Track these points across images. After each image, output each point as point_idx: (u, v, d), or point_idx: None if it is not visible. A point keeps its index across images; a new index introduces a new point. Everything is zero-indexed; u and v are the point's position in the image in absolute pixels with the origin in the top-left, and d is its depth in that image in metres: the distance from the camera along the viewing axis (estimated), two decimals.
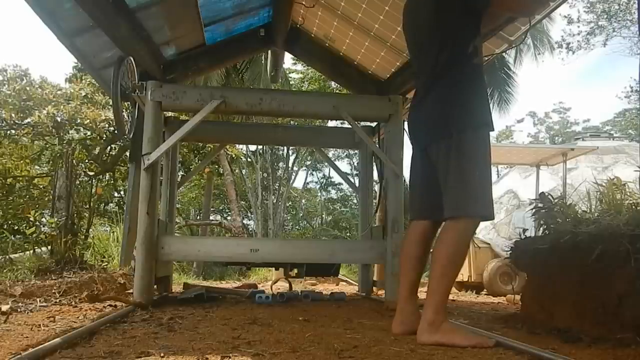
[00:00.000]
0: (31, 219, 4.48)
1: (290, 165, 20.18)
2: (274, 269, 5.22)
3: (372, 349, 1.74)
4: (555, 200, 2.61)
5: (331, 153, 18.89)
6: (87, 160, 7.70)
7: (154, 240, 3.17)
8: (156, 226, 3.21)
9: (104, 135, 7.49)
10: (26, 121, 7.19)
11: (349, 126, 3.75)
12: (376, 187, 4.41)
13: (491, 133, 2.07)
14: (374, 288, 4.29)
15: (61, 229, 3.98)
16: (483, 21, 2.15)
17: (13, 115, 7.09)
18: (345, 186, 23.57)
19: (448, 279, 1.94)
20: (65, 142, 7.03)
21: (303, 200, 24.71)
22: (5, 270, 3.72)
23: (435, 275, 1.94)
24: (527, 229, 2.78)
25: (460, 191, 1.97)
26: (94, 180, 7.52)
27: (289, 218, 23.51)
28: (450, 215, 1.99)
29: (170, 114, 4.26)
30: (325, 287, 5.88)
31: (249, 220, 21.60)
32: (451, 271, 1.95)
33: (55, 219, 4.06)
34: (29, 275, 3.60)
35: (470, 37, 2.05)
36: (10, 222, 6.78)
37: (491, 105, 13.41)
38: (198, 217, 17.86)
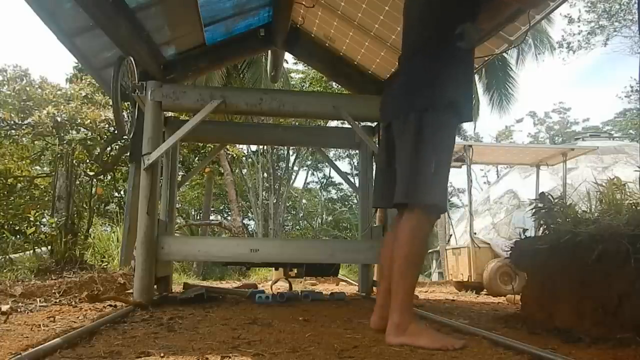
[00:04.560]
0: (31, 219, 4.48)
1: (290, 165, 20.20)
2: (273, 269, 5.22)
3: (372, 349, 1.74)
4: (555, 200, 2.61)
5: (332, 153, 18.90)
6: (87, 161, 7.70)
7: (154, 240, 3.17)
8: (156, 226, 3.21)
9: (104, 136, 7.49)
10: (26, 121, 7.19)
11: (350, 126, 3.75)
12: None
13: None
14: (374, 288, 4.29)
15: (61, 229, 3.98)
16: (488, 11, 2.12)
17: (13, 115, 7.09)
18: (345, 186, 23.59)
19: (408, 278, 1.90)
20: (65, 142, 7.03)
21: (303, 200, 24.71)
22: (5, 270, 3.72)
23: (395, 277, 1.90)
24: (527, 229, 2.78)
25: (412, 175, 1.88)
26: (94, 181, 7.51)
27: (289, 218, 23.51)
28: (398, 202, 1.91)
29: (170, 114, 4.26)
30: (325, 287, 5.88)
31: (249, 220, 21.62)
32: (410, 271, 1.89)
33: (56, 219, 4.06)
34: (29, 275, 3.61)
35: (458, 22, 1.97)
36: (10, 222, 6.78)
37: (491, 105, 13.44)
38: (198, 217, 17.87)
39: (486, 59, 4.10)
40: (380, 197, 2.18)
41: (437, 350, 1.72)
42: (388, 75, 4.65)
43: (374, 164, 4.22)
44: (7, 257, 4.34)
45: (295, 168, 20.69)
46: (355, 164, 19.13)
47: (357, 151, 5.04)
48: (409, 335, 1.82)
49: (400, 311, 1.87)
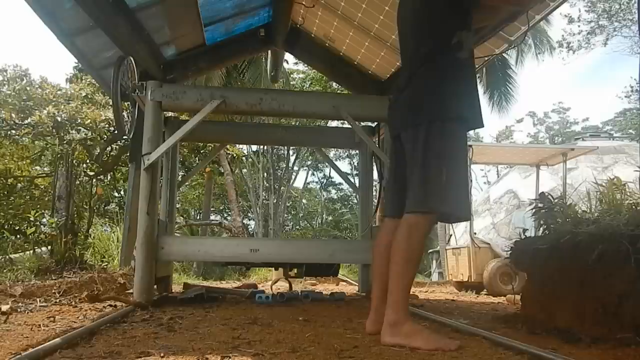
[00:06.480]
0: (31, 219, 4.49)
1: (290, 165, 20.21)
2: (273, 269, 5.22)
3: (372, 349, 1.74)
4: (555, 200, 2.61)
5: (332, 153, 18.91)
6: (87, 161, 7.70)
7: (154, 240, 3.17)
8: (156, 226, 3.21)
9: (104, 136, 7.49)
10: (26, 121, 7.19)
11: (350, 126, 3.75)
12: (376, 187, 4.41)
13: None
14: None
15: (61, 229, 3.99)
16: (483, 15, 2.13)
17: (13, 115, 7.09)
18: (345, 186, 23.61)
19: (404, 277, 1.89)
20: (65, 142, 7.02)
21: (303, 200, 24.73)
22: (5, 270, 3.72)
23: (392, 275, 1.90)
24: (527, 229, 2.77)
25: (423, 184, 1.91)
26: (94, 181, 7.52)
27: (289, 218, 23.52)
28: (410, 211, 1.92)
29: (170, 114, 4.26)
30: (325, 287, 5.88)
31: (249, 220, 21.63)
32: (407, 270, 1.89)
33: (56, 219, 4.07)
34: (29, 275, 3.61)
35: (454, 31, 1.99)
36: (10, 222, 6.78)
37: (491, 105, 13.44)
38: (198, 217, 17.87)
39: (486, 59, 4.10)
40: (392, 206, 2.17)
41: (435, 351, 1.71)
42: (388, 76, 4.66)
43: (374, 164, 4.22)
44: (7, 257, 4.34)
45: (295, 168, 20.72)
46: (355, 164, 19.14)
47: (357, 151, 5.04)
48: (404, 336, 1.81)
49: (395, 309, 1.86)
